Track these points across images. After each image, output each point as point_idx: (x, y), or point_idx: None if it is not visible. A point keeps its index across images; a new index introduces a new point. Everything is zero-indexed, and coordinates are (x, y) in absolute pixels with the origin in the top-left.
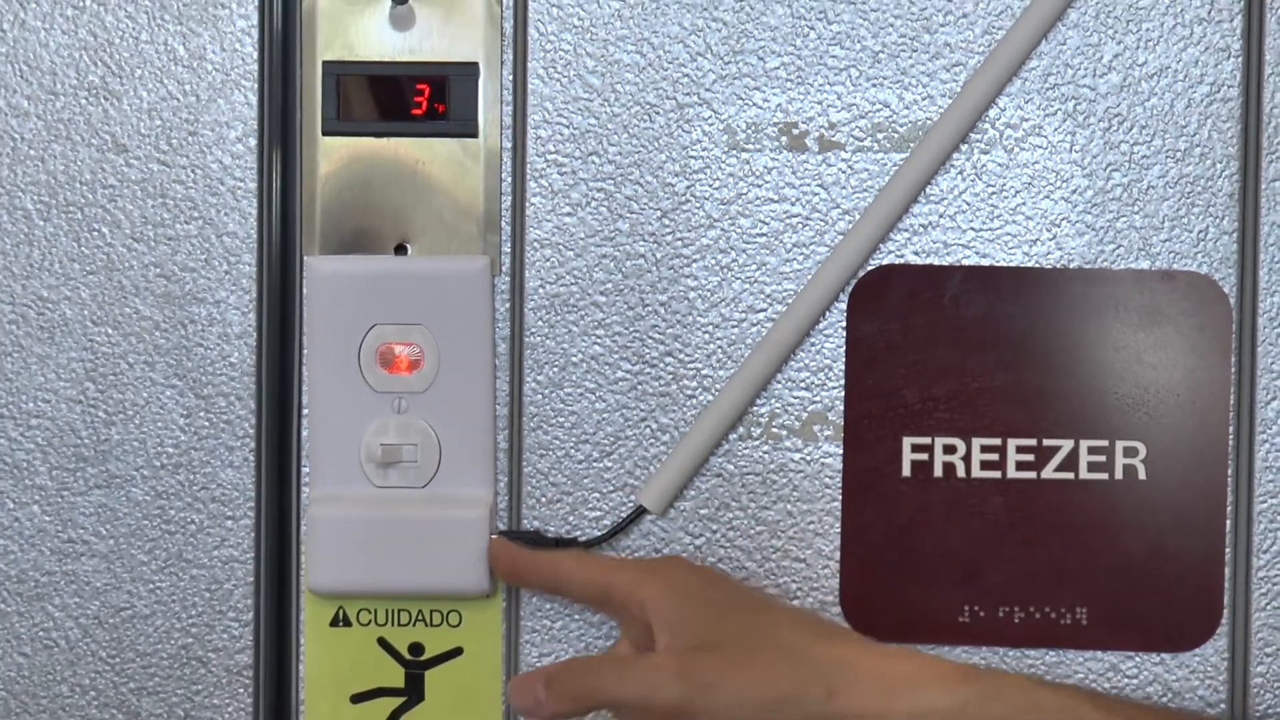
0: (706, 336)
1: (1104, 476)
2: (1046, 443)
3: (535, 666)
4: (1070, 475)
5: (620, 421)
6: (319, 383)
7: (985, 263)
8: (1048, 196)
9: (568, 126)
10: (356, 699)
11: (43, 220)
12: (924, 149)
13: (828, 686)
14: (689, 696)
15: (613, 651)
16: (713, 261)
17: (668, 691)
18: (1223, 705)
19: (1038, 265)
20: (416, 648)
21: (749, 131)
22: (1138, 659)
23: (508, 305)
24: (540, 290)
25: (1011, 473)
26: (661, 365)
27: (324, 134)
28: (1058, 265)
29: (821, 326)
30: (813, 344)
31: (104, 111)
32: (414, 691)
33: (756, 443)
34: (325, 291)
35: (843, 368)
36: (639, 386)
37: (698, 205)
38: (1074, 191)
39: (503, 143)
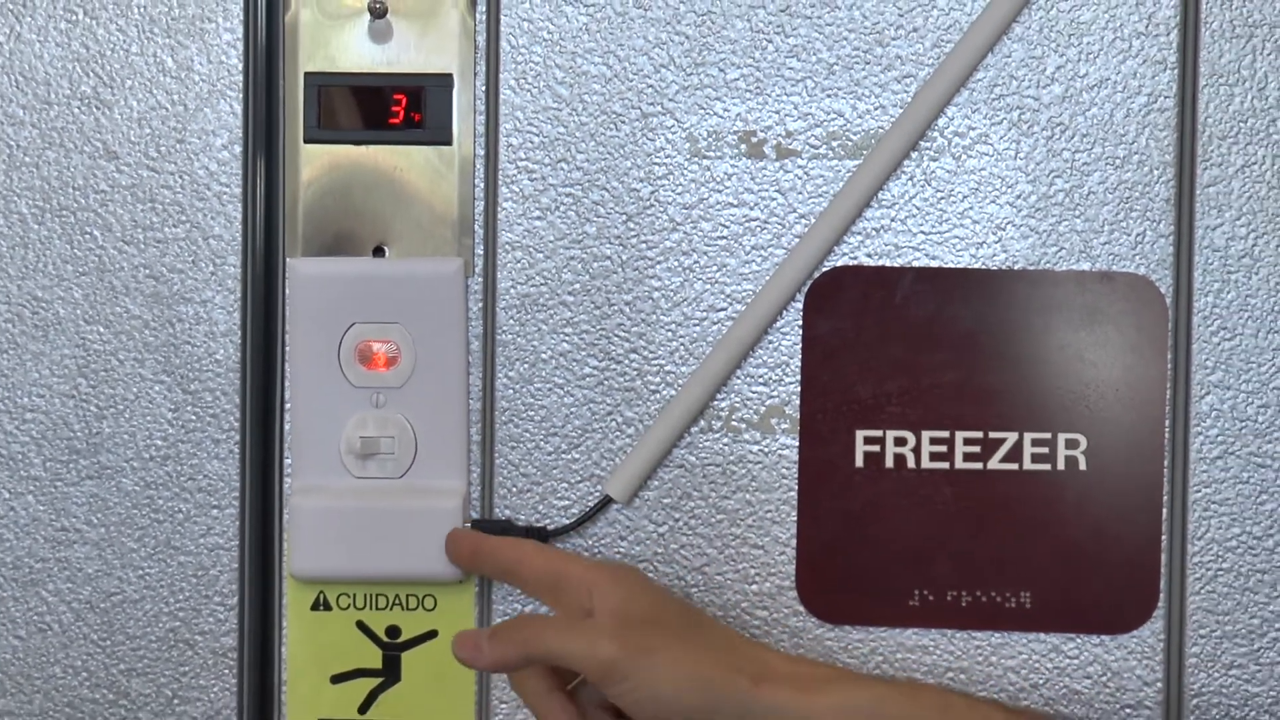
0: (670, 334)
1: (1047, 467)
2: (992, 435)
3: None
4: (1015, 466)
5: (587, 415)
6: (301, 378)
7: (934, 264)
8: (994, 201)
9: (538, 135)
10: (336, 679)
11: (37, 224)
12: (876, 156)
13: (754, 676)
14: (625, 655)
15: (555, 616)
16: (675, 263)
17: (605, 648)
18: (1159, 684)
19: (984, 267)
20: (394, 630)
21: (710, 140)
22: (1079, 640)
23: (481, 305)
24: (512, 290)
25: (959, 464)
26: (627, 362)
27: (306, 142)
28: (1003, 267)
29: (779, 325)
30: (770, 342)
31: (96, 120)
32: (391, 672)
33: (717, 435)
34: (307, 292)
35: (799, 364)
36: (605, 382)
37: (661, 210)
38: (1019, 197)
39: (476, 150)
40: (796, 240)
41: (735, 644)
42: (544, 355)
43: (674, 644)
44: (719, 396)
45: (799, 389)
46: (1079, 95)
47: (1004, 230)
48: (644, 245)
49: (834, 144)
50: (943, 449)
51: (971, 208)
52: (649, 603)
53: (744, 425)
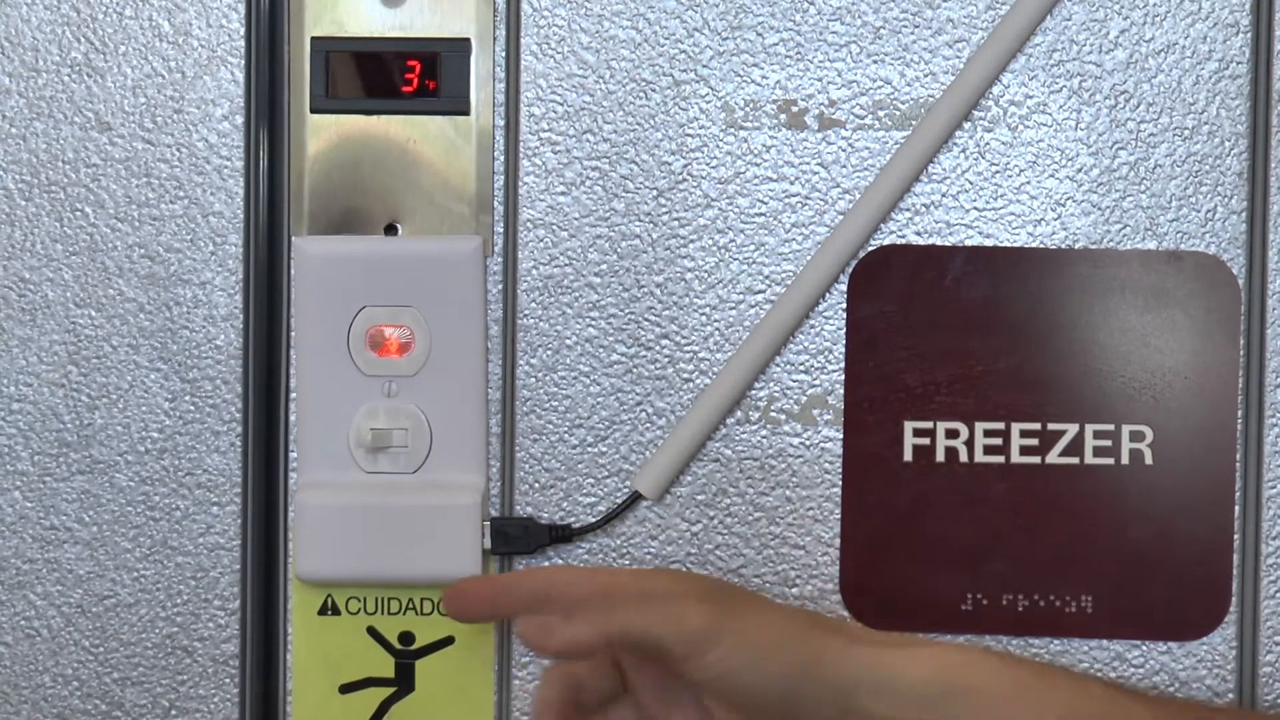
0: (703, 319)
1: (1110, 461)
2: (1051, 427)
3: (527, 656)
4: (1075, 460)
5: (615, 405)
6: (307, 366)
7: (988, 243)
8: (1052, 175)
9: (562, 104)
10: (345, 689)
11: (24, 200)
12: (926, 127)
13: (849, 635)
14: (717, 618)
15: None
16: (710, 242)
17: (695, 616)
18: (1231, 695)
19: (1042, 246)
20: (407, 637)
21: (747, 109)
22: (1144, 648)
23: (500, 287)
24: (534, 271)
25: (1015, 458)
26: (658, 348)
27: (312, 112)
28: (1062, 246)
29: (821, 308)
30: (812, 326)
31: (87, 89)
32: (404, 681)
33: (755, 427)
34: (313, 273)
35: (843, 350)
36: (634, 370)
37: (694, 184)
38: (1079, 170)
39: (495, 121)
40: (840, 217)
41: (820, 615)
42: (568, 341)
43: (763, 607)
44: (757, 385)
45: (843, 377)
46: (1144, 61)
47: (1063, 206)
48: (676, 223)
49: (880, 114)
50: (997, 441)
51: (1029, 182)
52: (711, 583)
53: (784, 416)
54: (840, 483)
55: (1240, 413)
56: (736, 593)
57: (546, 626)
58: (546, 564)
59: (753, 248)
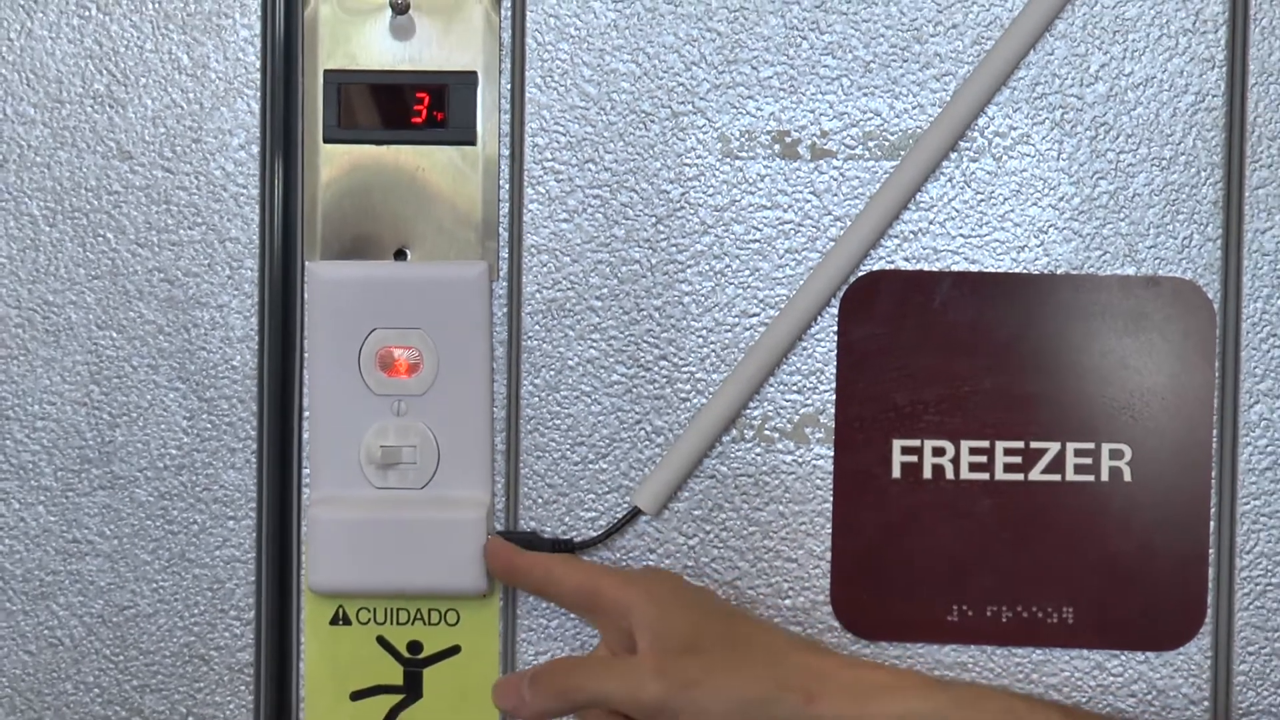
0: (700, 341)
1: (1090, 478)
2: (1034, 445)
3: (532, 664)
4: (1057, 477)
5: (615, 424)
6: (320, 386)
7: (974, 269)
8: (1035, 204)
9: (564, 134)
10: (356, 696)
11: (49, 225)
12: (914, 157)
13: (806, 691)
14: (670, 694)
15: (593, 655)
16: (707, 267)
17: (649, 689)
18: (1206, 703)
19: (1025, 271)
20: (415, 646)
21: (742, 139)
22: (1123, 657)
23: (505, 310)
24: (537, 295)
25: (999, 474)
26: (656, 369)
27: (325, 141)
28: (1045, 271)
29: (813, 331)
30: (804, 348)
31: (109, 119)
32: (412, 689)
33: (749, 445)
34: (326, 296)
35: (834, 371)
36: (634, 390)
37: (692, 212)
38: (1061, 199)
39: (501, 150)
40: (831, 244)
41: (783, 655)
42: (570, 362)
43: (718, 670)
44: (751, 405)
45: (834, 397)
46: (1124, 94)
47: (1046, 233)
48: (674, 249)
49: (870, 144)
50: (982, 459)
51: (1013, 210)
52: (687, 621)
53: (777, 435)
54: (831, 499)
55: (1215, 432)
56: (701, 646)
57: (519, 694)
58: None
59: (748, 273)
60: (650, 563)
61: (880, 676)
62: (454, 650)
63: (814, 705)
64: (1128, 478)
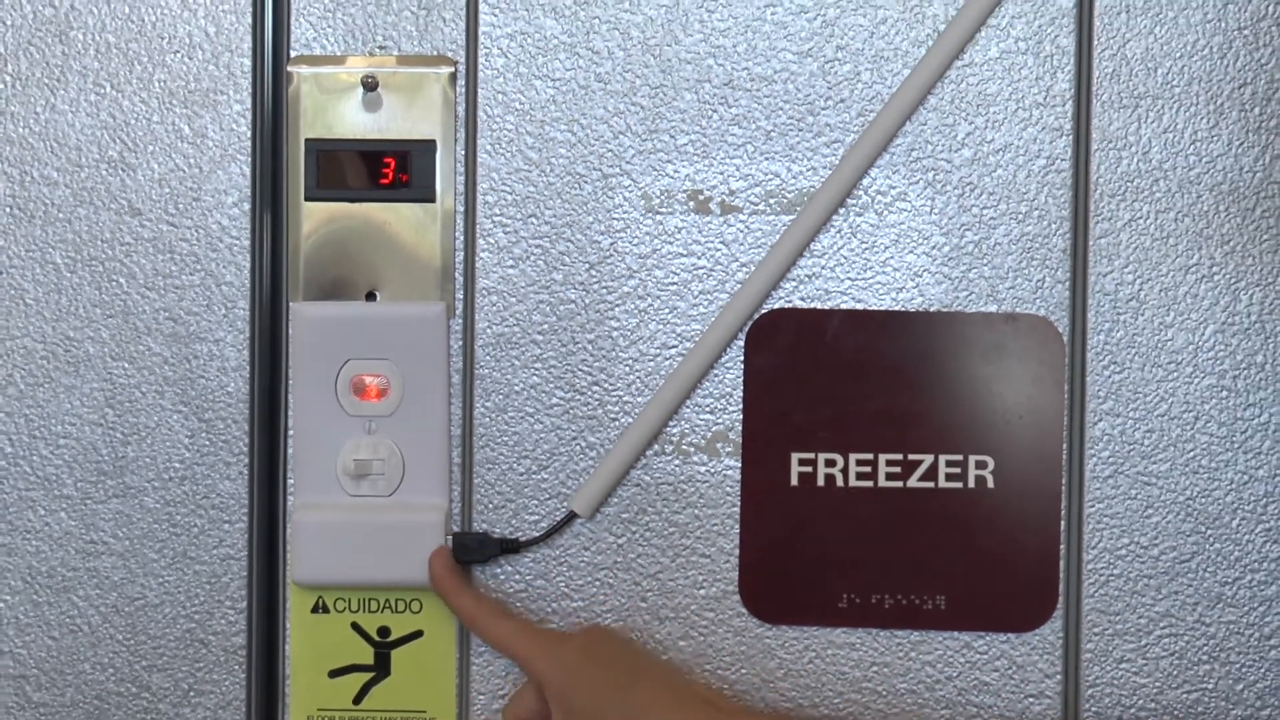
0: (628, 369)
1: (959, 485)
2: (911, 457)
3: (483, 648)
4: (931, 484)
5: (555, 440)
6: (302, 408)
7: (860, 307)
8: (912, 251)
9: (511, 193)
10: (334, 674)
11: (69, 272)
12: (808, 212)
13: None
14: None
15: (520, 693)
16: (632, 306)
17: None
18: (1059, 676)
19: (904, 309)
20: (384, 630)
21: (662, 197)
22: (988, 638)
23: (461, 343)
24: (488, 330)
25: (882, 482)
26: (590, 393)
27: (307, 200)
28: (920, 309)
29: (723, 360)
30: (716, 375)
31: (121, 181)
32: (382, 667)
33: (669, 458)
34: (308, 331)
35: (741, 395)
36: (571, 411)
37: (620, 259)
38: (933, 247)
39: (457, 206)
40: (739, 286)
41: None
42: (517, 388)
43: None
44: (671, 424)
45: (741, 417)
46: (986, 158)
47: (921, 277)
48: (604, 290)
49: (771, 201)
50: (867, 469)
51: (892, 257)
52: (588, 696)
53: (693, 449)
54: (739, 504)
55: (1065, 445)
56: (609, 711)
57: None
58: (500, 573)
59: (667, 311)
60: (585, 558)
61: None
62: (418, 634)
63: None
64: (991, 485)
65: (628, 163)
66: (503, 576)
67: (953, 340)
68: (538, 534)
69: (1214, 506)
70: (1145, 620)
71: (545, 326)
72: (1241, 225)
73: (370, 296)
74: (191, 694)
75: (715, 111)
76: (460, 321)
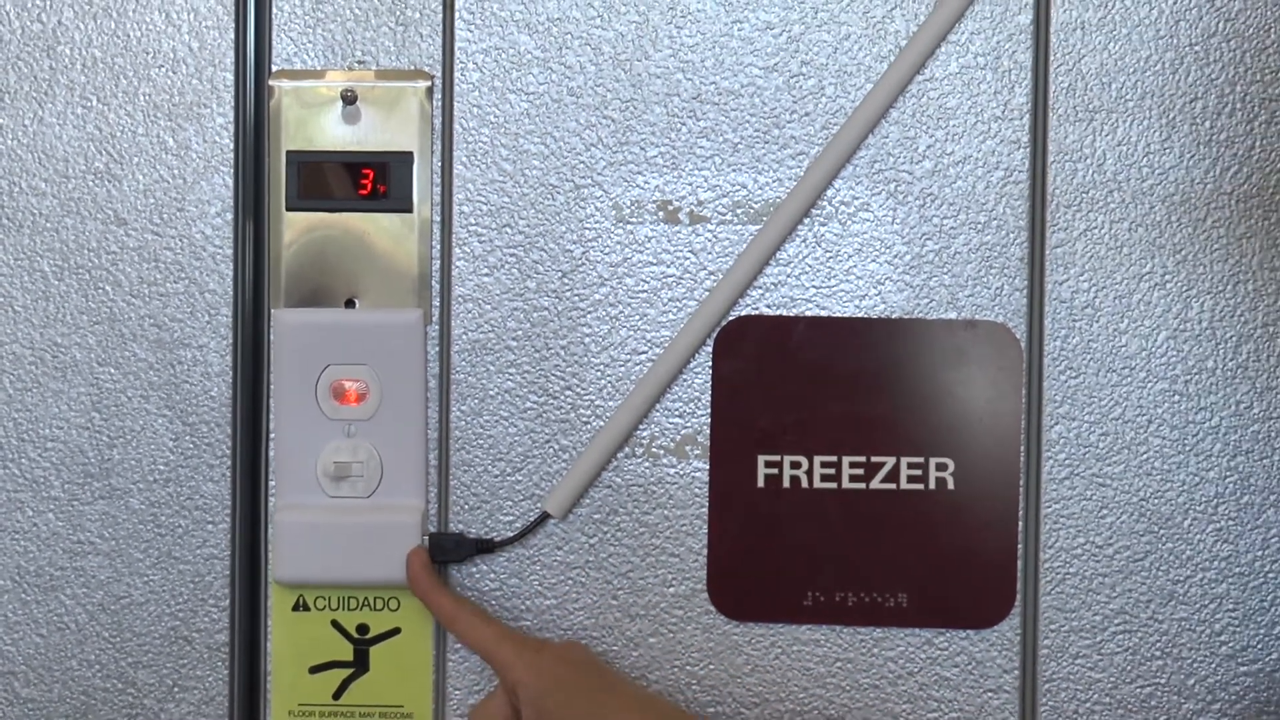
0: (599, 374)
1: (920, 487)
2: (874, 459)
3: (459, 645)
4: (893, 486)
5: (529, 443)
6: (283, 412)
7: (824, 314)
8: (874, 260)
9: (486, 203)
10: (314, 670)
11: (57, 280)
12: (774, 222)
13: None
14: None
15: (489, 699)
16: (604, 313)
17: None
18: (1016, 671)
19: (867, 316)
20: (363, 628)
21: (633, 208)
22: (948, 634)
23: (437, 349)
24: (464, 337)
25: (846, 484)
26: (563, 397)
27: (288, 210)
28: (883, 316)
29: (692, 366)
30: (685, 380)
31: (107, 191)
32: (361, 664)
33: (640, 460)
34: (288, 338)
35: (709, 399)
36: (544, 415)
37: (591, 268)
38: (895, 256)
39: (433, 217)
40: (707, 294)
41: None
42: (491, 392)
43: None
44: (641, 427)
45: (709, 420)
46: (946, 170)
47: (883, 285)
48: (577, 298)
49: (738, 211)
50: (831, 471)
51: (855, 266)
52: (562, 701)
53: (662, 451)
54: (707, 505)
55: (1023, 448)
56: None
57: None
58: (475, 572)
59: (638, 318)
60: (558, 558)
61: None
62: (395, 631)
63: None
64: (951, 486)
65: (599, 174)
66: (478, 575)
67: (914, 346)
68: (512, 534)
69: (1166, 507)
70: (1100, 617)
71: (519, 333)
72: (1193, 235)
73: (349, 304)
74: (176, 690)
75: (684, 124)
76: (437, 328)
